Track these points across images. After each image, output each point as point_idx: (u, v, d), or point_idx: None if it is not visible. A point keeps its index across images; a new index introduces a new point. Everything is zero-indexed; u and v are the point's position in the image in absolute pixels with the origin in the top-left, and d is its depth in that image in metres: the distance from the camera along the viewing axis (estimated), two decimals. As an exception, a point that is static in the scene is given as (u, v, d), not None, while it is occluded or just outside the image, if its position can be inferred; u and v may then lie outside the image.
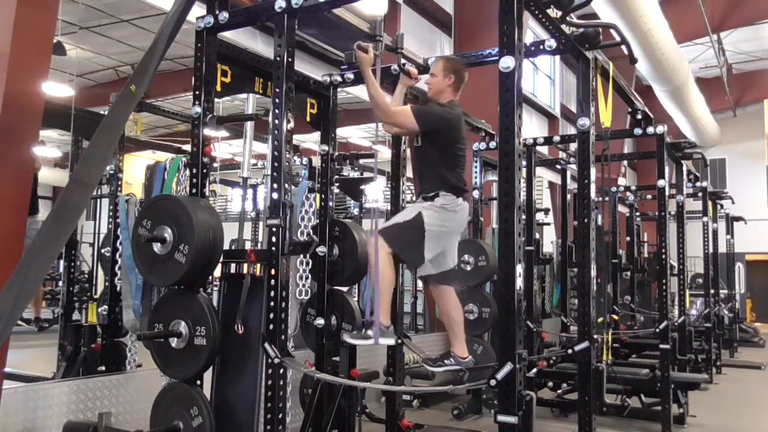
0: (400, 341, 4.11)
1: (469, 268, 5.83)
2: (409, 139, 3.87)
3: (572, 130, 9.05)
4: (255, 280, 3.31)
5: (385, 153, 5.46)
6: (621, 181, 11.66)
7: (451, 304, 3.61)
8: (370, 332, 3.35)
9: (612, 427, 5.48)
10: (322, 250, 4.06)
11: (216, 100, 3.48)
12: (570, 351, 3.76)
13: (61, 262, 6.32)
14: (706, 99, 15.16)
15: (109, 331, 4.90)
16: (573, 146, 8.30)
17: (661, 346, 5.44)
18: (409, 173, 4.60)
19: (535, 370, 5.46)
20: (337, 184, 5.47)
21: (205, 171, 3.38)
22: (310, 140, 10.85)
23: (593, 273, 3.79)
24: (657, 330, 5.50)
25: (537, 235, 7.30)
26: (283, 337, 3.09)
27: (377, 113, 3.43)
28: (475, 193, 6.40)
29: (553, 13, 3.27)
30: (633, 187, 10.54)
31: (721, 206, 11.16)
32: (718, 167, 19.92)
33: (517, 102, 2.55)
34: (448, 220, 3.45)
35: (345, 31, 5.77)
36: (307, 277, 4.16)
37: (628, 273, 9.75)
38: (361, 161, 8.06)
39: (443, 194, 3.44)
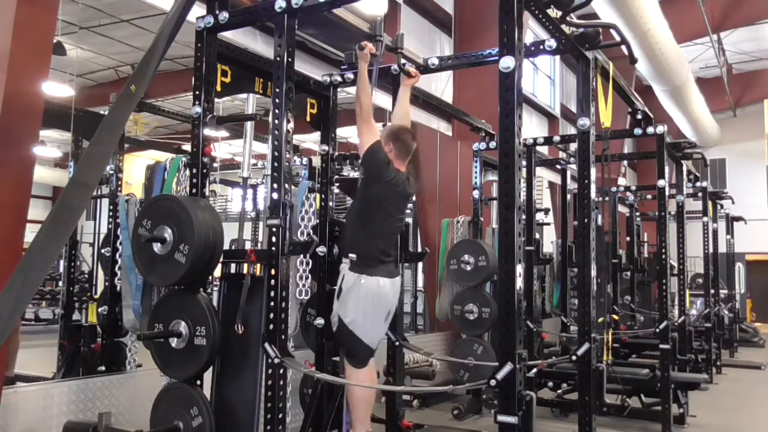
0: (398, 344, 4.12)
1: (469, 268, 5.83)
2: None
3: (572, 130, 9.05)
4: (255, 280, 3.31)
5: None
6: (621, 181, 11.65)
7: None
8: None
9: (612, 427, 5.48)
10: (322, 250, 4.06)
11: (216, 100, 3.48)
12: (574, 357, 3.73)
13: (61, 262, 6.32)
14: (706, 99, 15.15)
15: (109, 331, 4.89)
16: (573, 146, 8.30)
17: (661, 346, 5.44)
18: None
19: (535, 370, 5.45)
20: (337, 184, 5.45)
21: (205, 171, 3.37)
22: (310, 140, 10.85)
23: (593, 273, 3.79)
24: (657, 330, 5.49)
25: (537, 235, 7.29)
26: (283, 337, 3.09)
27: (357, 109, 3.50)
28: (475, 193, 6.41)
29: (553, 13, 3.27)
30: (633, 187, 10.53)
31: (721, 206, 11.15)
32: (718, 167, 19.91)
33: (517, 102, 2.55)
34: (360, 305, 3.45)
35: (345, 31, 5.76)
36: (307, 277, 4.15)
37: (628, 273, 9.74)
38: (361, 161, 8.04)
39: (347, 272, 3.47)
